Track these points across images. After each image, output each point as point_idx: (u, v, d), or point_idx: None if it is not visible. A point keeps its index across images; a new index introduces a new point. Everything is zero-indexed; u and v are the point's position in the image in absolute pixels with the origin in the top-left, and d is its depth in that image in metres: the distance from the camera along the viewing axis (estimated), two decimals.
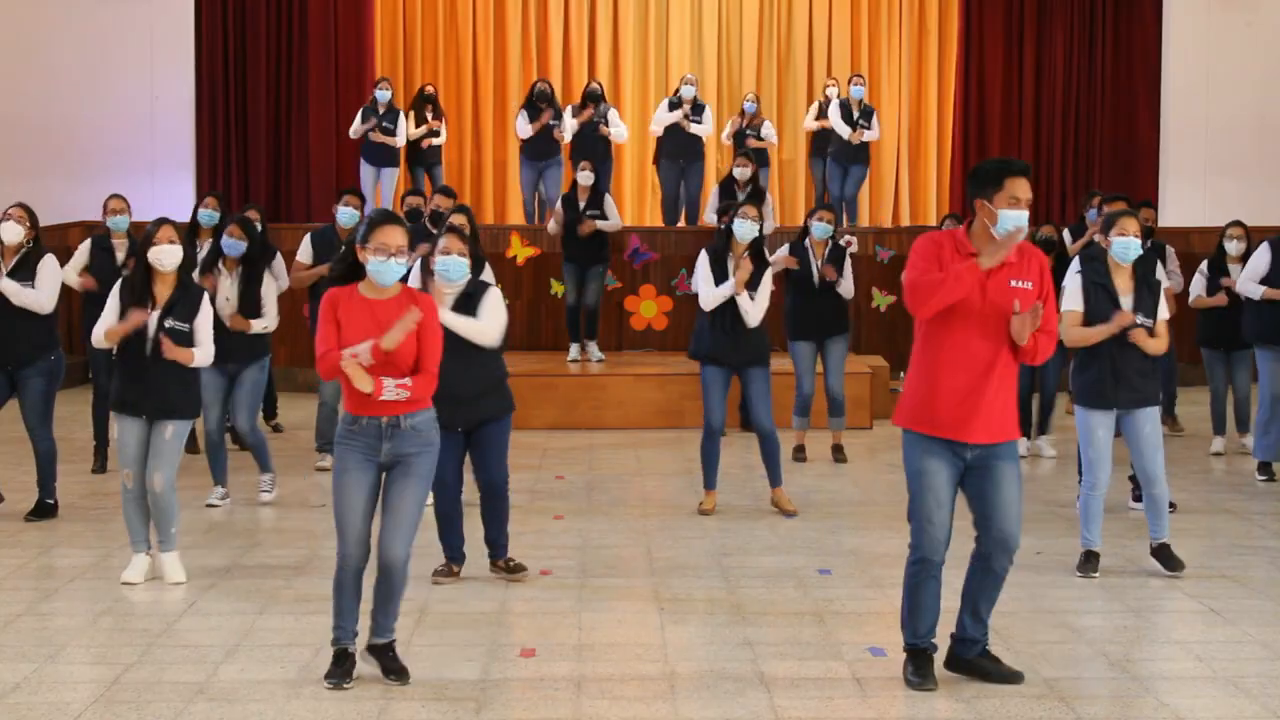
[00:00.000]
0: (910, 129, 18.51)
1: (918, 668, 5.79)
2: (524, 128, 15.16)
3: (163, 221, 7.32)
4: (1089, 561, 7.51)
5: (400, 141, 15.44)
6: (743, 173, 13.43)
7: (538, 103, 15.13)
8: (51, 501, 8.85)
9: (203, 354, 7.37)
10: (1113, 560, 7.76)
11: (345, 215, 10.48)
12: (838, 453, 10.98)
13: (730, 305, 8.83)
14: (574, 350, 13.62)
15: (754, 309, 8.83)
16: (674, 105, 15.46)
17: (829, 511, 9.13)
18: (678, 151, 15.39)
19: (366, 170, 15.42)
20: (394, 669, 5.78)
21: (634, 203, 18.49)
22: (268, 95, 17.12)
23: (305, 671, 5.91)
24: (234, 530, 8.55)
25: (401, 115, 15.44)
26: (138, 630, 6.54)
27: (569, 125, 15.09)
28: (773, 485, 9.10)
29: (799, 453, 10.90)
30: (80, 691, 5.65)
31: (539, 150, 15.20)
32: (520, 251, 14.46)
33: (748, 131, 15.62)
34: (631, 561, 7.89)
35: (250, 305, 9.13)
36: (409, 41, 18.16)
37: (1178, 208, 16.87)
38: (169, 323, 7.24)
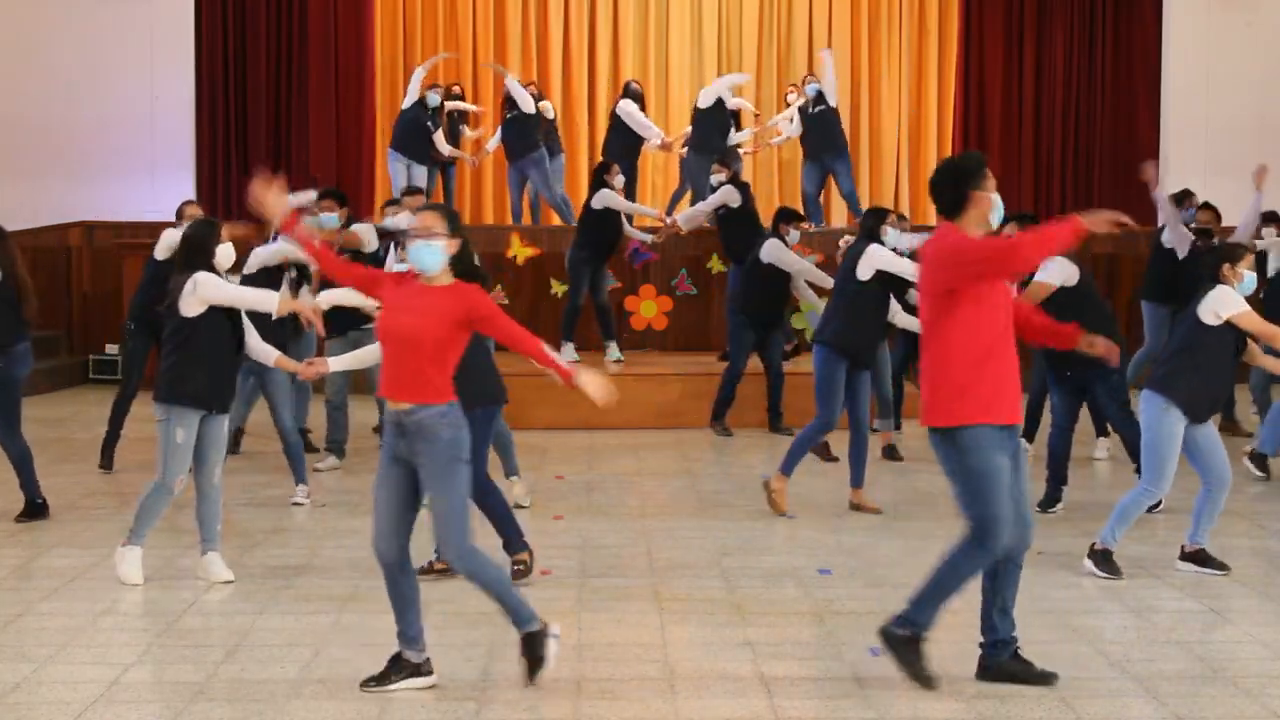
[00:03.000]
0: (910, 129, 18.51)
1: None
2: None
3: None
4: (1111, 561, 7.49)
5: (445, 149, 15.48)
6: (715, 178, 13.43)
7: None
8: (40, 501, 8.78)
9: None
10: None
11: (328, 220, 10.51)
12: (891, 451, 11.04)
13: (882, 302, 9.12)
14: (570, 350, 13.50)
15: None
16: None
17: (829, 511, 9.12)
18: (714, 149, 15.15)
19: (396, 163, 15.36)
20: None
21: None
22: (268, 95, 17.12)
23: (305, 671, 5.91)
24: (234, 530, 8.54)
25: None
26: (138, 630, 6.54)
27: (656, 133, 15.28)
28: (854, 485, 9.17)
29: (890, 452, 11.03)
30: (80, 691, 5.65)
31: (515, 149, 15.23)
32: (520, 251, 14.45)
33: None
34: (631, 561, 7.89)
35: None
36: (409, 41, 18.15)
37: None
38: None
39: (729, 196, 13.01)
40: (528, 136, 15.31)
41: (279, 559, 7.87)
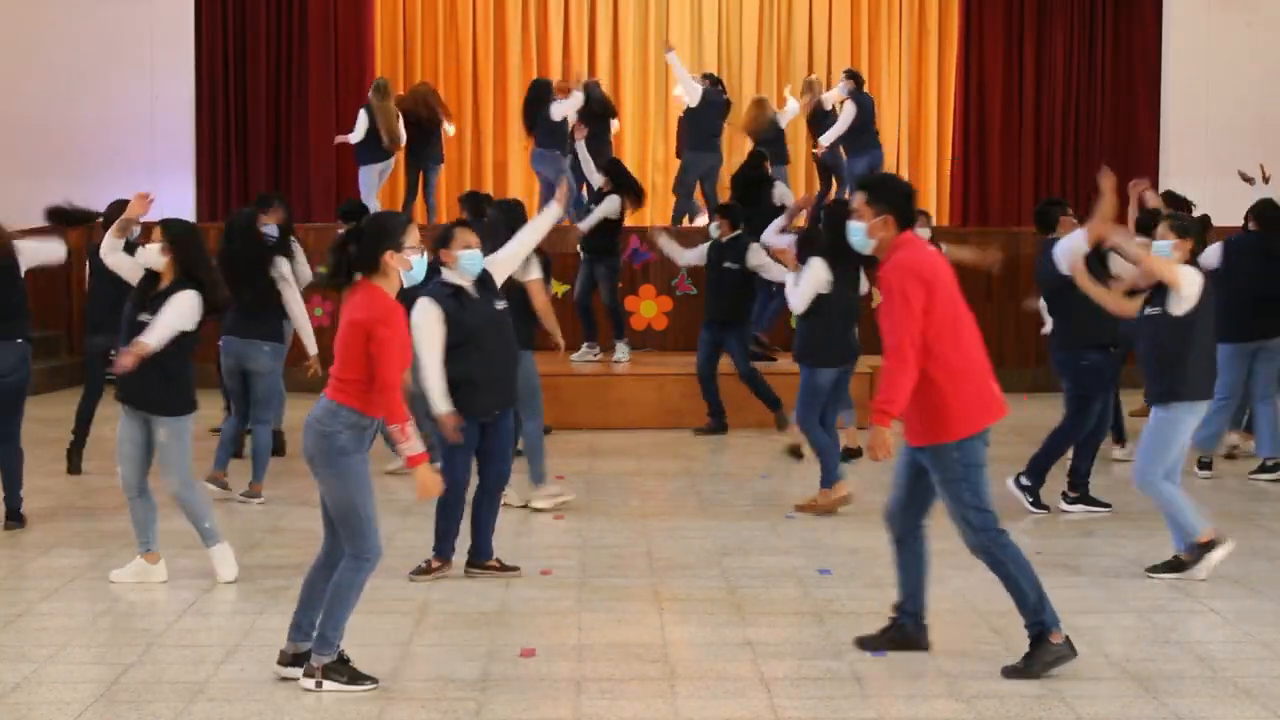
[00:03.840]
0: (910, 129, 18.49)
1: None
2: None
3: (153, 224, 7.44)
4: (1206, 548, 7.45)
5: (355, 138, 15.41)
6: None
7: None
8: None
9: (152, 337, 7.05)
10: (1113, 560, 7.77)
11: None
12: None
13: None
14: (586, 350, 13.49)
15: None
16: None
17: (829, 512, 9.11)
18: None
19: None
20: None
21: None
22: (268, 95, 17.13)
23: None
24: (234, 530, 8.53)
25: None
26: (138, 630, 6.55)
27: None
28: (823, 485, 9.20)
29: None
30: (80, 691, 5.65)
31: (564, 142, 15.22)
32: None
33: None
34: (631, 561, 7.89)
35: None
36: (409, 41, 18.15)
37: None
38: (141, 316, 7.19)
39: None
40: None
41: (279, 559, 7.87)
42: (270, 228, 10.14)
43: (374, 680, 5.67)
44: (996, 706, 5.52)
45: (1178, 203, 11.21)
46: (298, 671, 5.72)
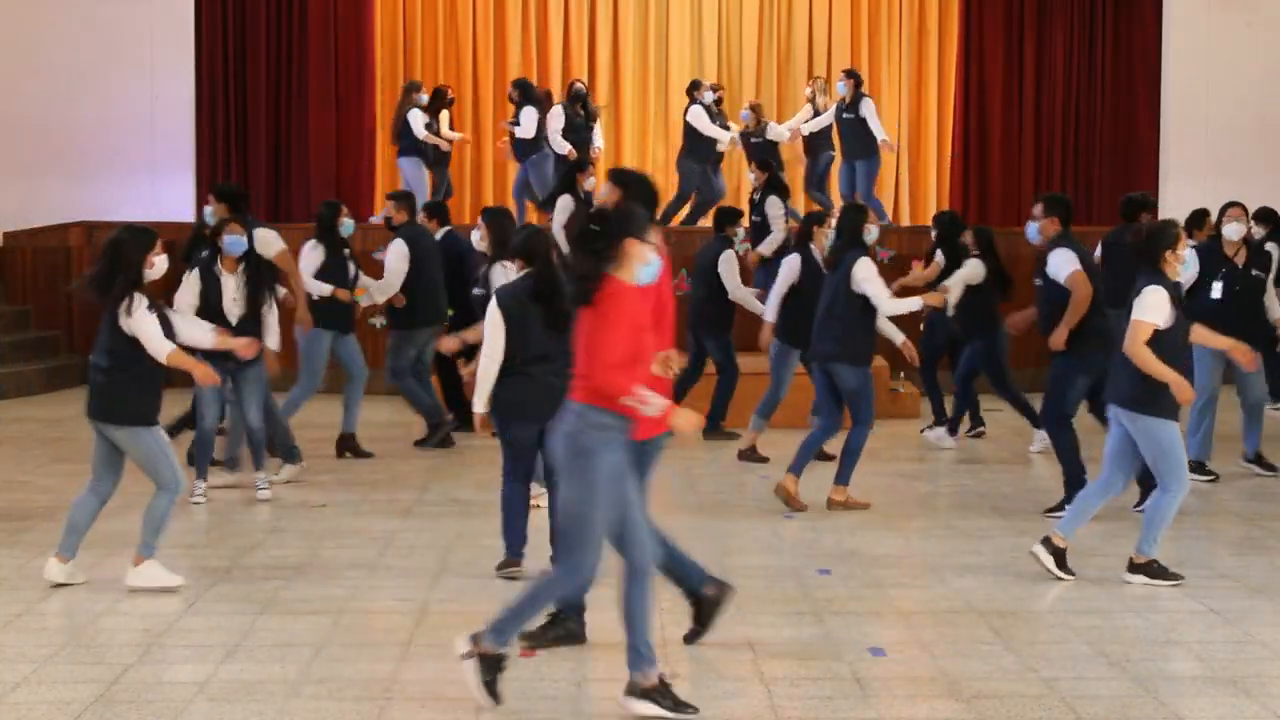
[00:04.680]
0: (910, 129, 18.48)
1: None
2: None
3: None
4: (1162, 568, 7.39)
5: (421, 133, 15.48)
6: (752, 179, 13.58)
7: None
8: None
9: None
10: (1114, 560, 7.76)
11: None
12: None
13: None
14: None
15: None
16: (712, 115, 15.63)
17: (829, 511, 9.12)
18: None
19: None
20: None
21: None
22: (268, 95, 17.13)
23: (305, 671, 5.91)
24: (234, 530, 8.55)
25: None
26: (138, 630, 6.54)
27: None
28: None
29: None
30: (80, 691, 5.65)
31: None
32: None
33: (754, 139, 15.64)
34: None
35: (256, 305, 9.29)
36: (409, 41, 18.15)
37: (1178, 208, 16.83)
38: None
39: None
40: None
41: (279, 559, 7.87)
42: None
43: (693, 709, 5.39)
44: (996, 706, 5.52)
45: (1135, 206, 10.81)
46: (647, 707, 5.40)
